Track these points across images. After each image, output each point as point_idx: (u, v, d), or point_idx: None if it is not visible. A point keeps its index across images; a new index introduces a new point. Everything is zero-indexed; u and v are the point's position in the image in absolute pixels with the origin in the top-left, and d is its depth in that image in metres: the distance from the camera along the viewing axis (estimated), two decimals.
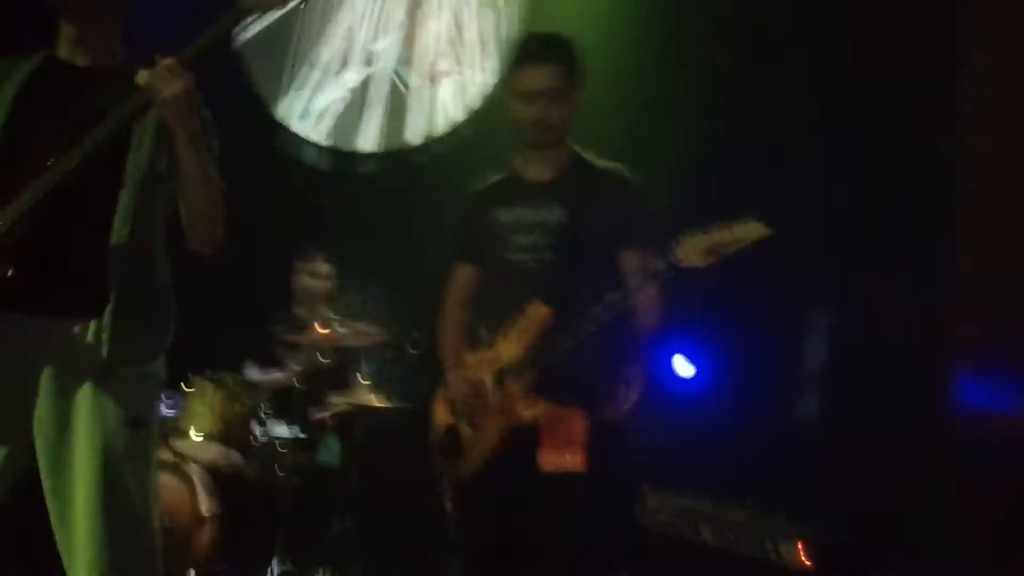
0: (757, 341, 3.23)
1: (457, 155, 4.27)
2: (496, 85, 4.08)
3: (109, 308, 1.71)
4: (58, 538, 1.69)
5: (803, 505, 2.82)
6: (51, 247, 1.70)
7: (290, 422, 3.35)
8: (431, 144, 4.42)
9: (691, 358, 3.32)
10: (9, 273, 1.68)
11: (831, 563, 2.62)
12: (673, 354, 3.30)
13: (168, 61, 1.66)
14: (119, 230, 1.73)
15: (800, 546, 2.62)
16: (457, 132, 4.34)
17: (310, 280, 3.82)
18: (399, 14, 4.54)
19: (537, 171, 2.22)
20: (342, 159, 4.63)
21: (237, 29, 1.76)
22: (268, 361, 3.73)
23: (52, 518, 1.70)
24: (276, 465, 3.33)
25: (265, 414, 3.37)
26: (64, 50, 1.82)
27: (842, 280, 3.14)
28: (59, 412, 1.69)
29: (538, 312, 2.06)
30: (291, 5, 1.91)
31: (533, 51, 2.16)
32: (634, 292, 1.99)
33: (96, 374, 1.69)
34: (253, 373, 3.65)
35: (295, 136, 4.66)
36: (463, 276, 2.34)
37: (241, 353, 3.64)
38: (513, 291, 2.15)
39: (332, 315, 3.62)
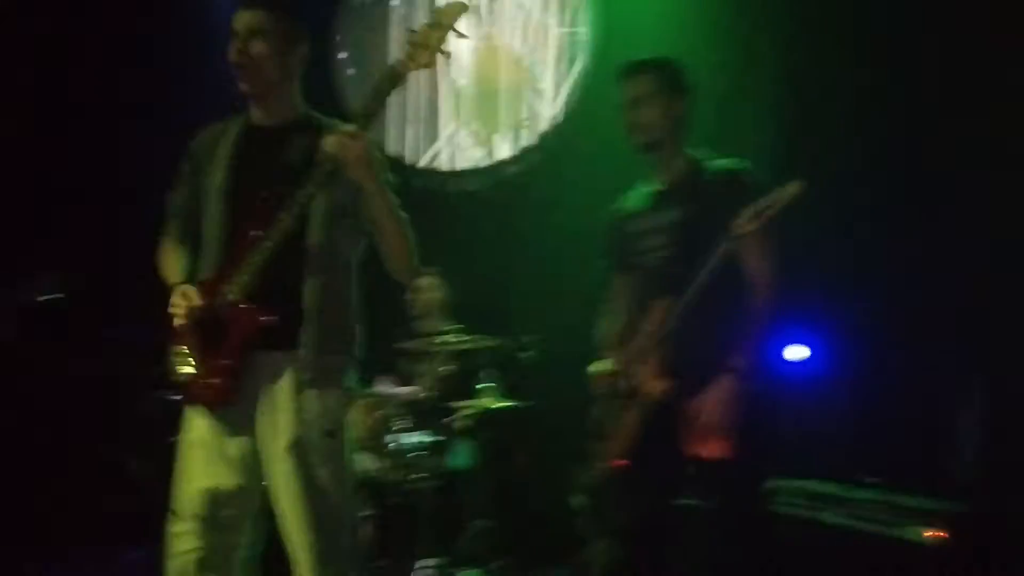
0: (870, 321, 3.29)
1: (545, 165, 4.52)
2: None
3: (311, 337, 2.03)
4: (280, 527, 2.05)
5: (931, 481, 2.87)
6: (279, 292, 2.02)
7: (422, 430, 3.56)
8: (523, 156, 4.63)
9: (805, 342, 3.40)
10: (264, 319, 2.01)
11: (963, 535, 2.63)
12: (791, 336, 3.38)
13: (347, 128, 1.96)
14: (316, 273, 2.05)
15: (931, 522, 2.63)
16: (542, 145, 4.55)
17: (426, 294, 4.06)
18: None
19: (659, 179, 2.47)
20: (441, 177, 4.88)
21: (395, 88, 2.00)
22: (396, 375, 4.00)
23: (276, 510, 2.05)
24: (412, 470, 3.57)
25: (399, 423, 3.59)
26: (256, 118, 2.18)
27: (963, 258, 3.15)
28: (271, 426, 2.02)
29: (660, 305, 2.30)
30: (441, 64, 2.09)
31: (628, 68, 2.49)
32: (711, 266, 2.20)
33: (297, 392, 2.02)
34: (384, 387, 3.90)
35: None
36: (619, 284, 2.59)
37: (371, 369, 3.89)
38: (643, 289, 2.42)
39: (448, 325, 3.83)
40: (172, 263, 2.20)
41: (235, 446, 2.04)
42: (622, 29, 4.24)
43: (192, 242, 2.20)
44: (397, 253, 2.12)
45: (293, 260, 2.03)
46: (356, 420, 3.41)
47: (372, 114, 2.02)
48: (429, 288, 4.02)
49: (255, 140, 2.15)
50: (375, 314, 4.28)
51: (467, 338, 3.63)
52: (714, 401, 2.21)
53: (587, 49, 4.43)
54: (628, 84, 2.44)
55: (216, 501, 2.02)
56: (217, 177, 2.12)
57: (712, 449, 2.21)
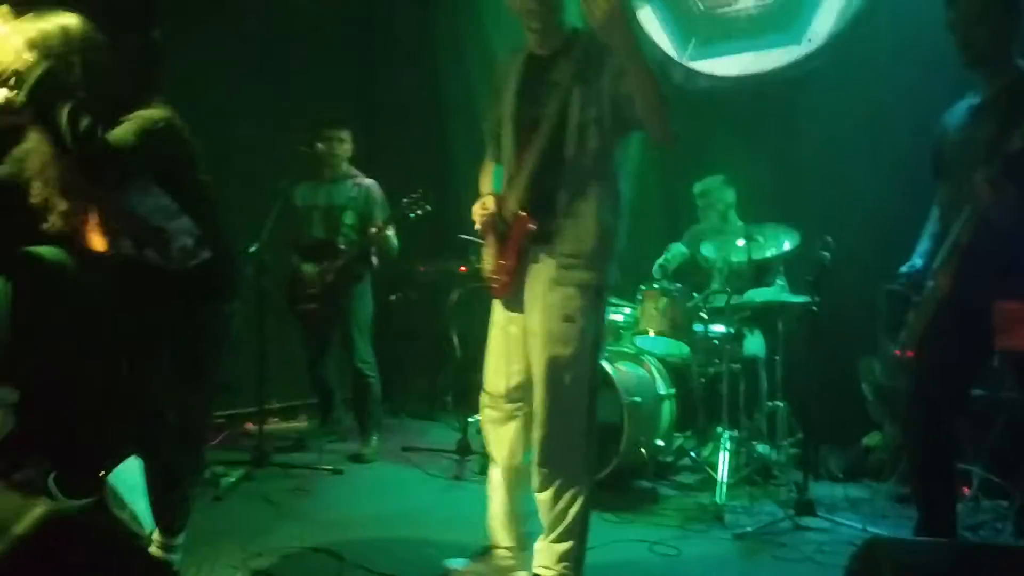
0: None
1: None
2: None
3: (560, 239, 2.37)
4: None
5: None
6: (543, 200, 2.40)
7: (721, 320, 4.00)
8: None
9: None
10: (531, 226, 2.42)
11: None
12: None
13: None
14: (570, 182, 2.36)
15: None
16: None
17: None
18: None
19: (981, 93, 2.56)
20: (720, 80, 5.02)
21: None
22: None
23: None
24: (713, 356, 4.06)
25: (703, 314, 4.06)
26: (533, 47, 2.50)
27: None
28: (530, 312, 2.46)
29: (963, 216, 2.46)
30: None
31: None
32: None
33: (548, 284, 2.41)
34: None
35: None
36: (938, 191, 2.74)
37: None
38: (951, 198, 2.59)
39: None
40: (485, 178, 2.67)
41: (515, 327, 2.54)
42: None
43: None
44: (654, 114, 2.25)
45: (554, 171, 2.37)
46: (662, 311, 3.97)
47: None
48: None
49: (533, 68, 2.49)
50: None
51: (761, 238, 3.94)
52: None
53: None
54: (960, 2, 2.51)
55: (505, 372, 2.56)
56: (508, 104, 2.51)
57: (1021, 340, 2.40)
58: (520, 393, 2.54)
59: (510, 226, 2.47)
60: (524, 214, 2.43)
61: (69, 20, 2.11)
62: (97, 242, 2.18)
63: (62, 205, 2.12)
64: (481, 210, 2.53)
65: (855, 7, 4.52)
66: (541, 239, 2.43)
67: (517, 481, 2.60)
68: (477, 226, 2.56)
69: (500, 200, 2.52)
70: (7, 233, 2.16)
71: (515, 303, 2.53)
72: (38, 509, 1.96)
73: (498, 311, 2.61)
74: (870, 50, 4.45)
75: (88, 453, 2.63)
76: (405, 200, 4.16)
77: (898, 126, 4.13)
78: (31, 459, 2.36)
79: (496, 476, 2.64)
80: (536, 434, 2.45)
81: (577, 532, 2.47)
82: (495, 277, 2.56)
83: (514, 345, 2.54)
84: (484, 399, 2.63)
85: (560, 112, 2.36)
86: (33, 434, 2.26)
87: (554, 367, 2.40)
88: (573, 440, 2.43)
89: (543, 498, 2.48)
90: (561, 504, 2.45)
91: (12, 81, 1.98)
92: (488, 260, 2.61)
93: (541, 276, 2.44)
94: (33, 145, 2.11)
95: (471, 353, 5.26)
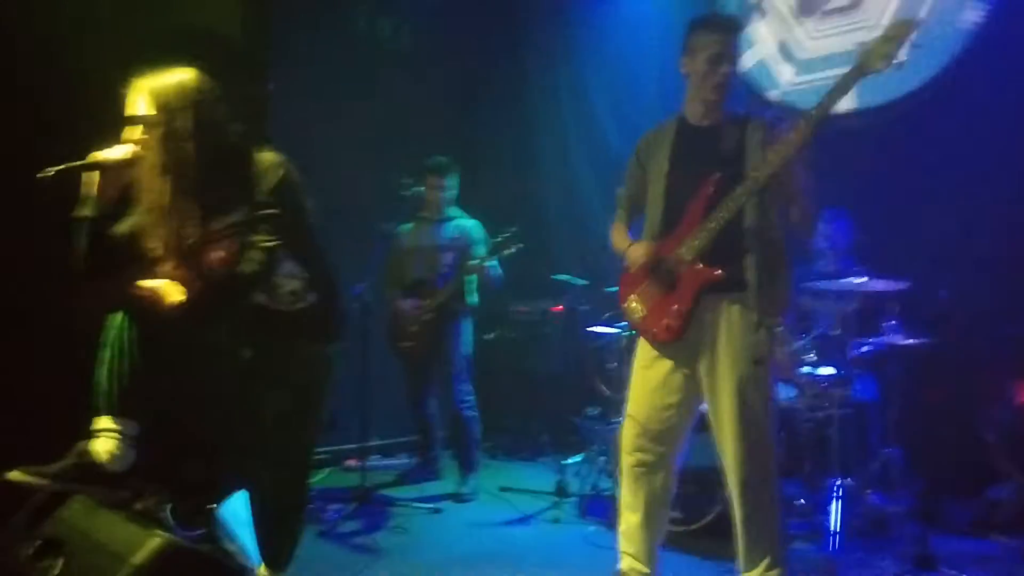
0: None
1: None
2: None
3: (754, 283, 2.54)
4: (716, 439, 2.63)
5: None
6: (724, 256, 2.58)
7: (830, 362, 3.84)
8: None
9: None
10: (717, 274, 2.57)
11: None
12: None
13: (796, 128, 2.39)
14: (753, 224, 2.55)
15: None
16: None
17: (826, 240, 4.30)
18: None
19: None
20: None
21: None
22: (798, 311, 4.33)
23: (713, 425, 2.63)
24: (822, 400, 3.90)
25: (809, 356, 3.91)
26: (693, 118, 2.74)
27: None
28: (714, 356, 2.61)
29: None
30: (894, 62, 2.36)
31: None
32: None
33: (737, 330, 2.56)
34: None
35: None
36: None
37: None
38: None
39: (856, 268, 4.03)
40: (621, 235, 2.87)
41: (677, 373, 2.66)
42: None
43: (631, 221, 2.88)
44: (803, 222, 2.61)
45: (734, 233, 2.56)
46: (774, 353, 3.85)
47: (824, 114, 2.39)
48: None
49: (691, 136, 2.72)
50: None
51: (864, 279, 3.79)
52: None
53: None
54: None
55: (656, 417, 2.67)
56: (663, 165, 2.71)
57: None
58: (671, 436, 2.68)
59: (682, 273, 2.60)
60: (704, 265, 2.57)
61: (185, 76, 2.28)
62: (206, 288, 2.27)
63: (173, 256, 2.24)
64: (642, 254, 2.67)
65: (965, 37, 4.35)
66: (721, 288, 2.57)
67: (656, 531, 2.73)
68: (632, 270, 2.71)
69: (659, 249, 2.66)
70: (129, 276, 2.29)
71: (679, 347, 2.63)
72: (156, 539, 2.05)
73: (645, 353, 2.72)
74: (987, 79, 4.25)
75: (201, 486, 2.74)
76: (499, 238, 4.21)
77: (1021, 158, 3.92)
78: (149, 490, 2.46)
79: (633, 523, 2.71)
80: (736, 476, 2.56)
81: None
82: (660, 321, 2.64)
83: (665, 391, 2.67)
84: (635, 442, 2.71)
85: (743, 190, 2.51)
86: (152, 466, 2.37)
87: (746, 408, 2.54)
88: (768, 474, 2.58)
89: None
90: None
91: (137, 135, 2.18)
92: (639, 306, 2.72)
93: (728, 321, 2.58)
94: (152, 194, 2.24)
95: (569, 394, 5.30)
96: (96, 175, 2.26)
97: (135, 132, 2.26)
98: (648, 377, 2.69)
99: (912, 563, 3.12)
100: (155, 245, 2.24)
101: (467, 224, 4.54)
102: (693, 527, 3.57)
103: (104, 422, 2.21)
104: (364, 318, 4.09)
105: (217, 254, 2.26)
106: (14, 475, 2.08)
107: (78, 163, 2.21)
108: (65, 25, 3.17)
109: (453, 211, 4.61)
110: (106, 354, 2.24)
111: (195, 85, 2.28)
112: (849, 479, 3.70)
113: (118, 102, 2.27)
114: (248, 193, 2.27)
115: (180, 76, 2.28)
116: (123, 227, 2.30)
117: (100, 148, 2.24)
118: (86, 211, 2.26)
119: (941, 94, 4.42)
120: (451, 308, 4.41)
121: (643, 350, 2.73)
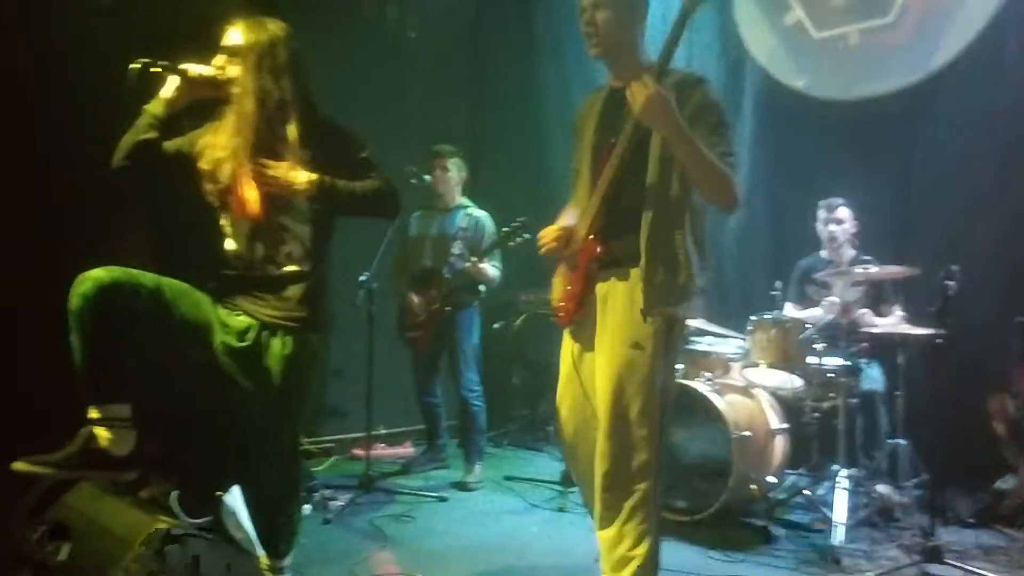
0: None
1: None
2: None
3: (643, 263, 2.27)
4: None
5: None
6: (618, 226, 2.35)
7: (837, 352, 3.81)
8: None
9: None
10: (598, 250, 2.37)
11: None
12: None
13: (644, 78, 2.18)
14: (649, 194, 2.28)
15: None
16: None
17: (834, 226, 4.27)
18: None
19: None
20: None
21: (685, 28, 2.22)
22: (807, 300, 4.32)
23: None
24: (829, 390, 3.88)
25: (817, 345, 3.88)
26: (612, 81, 2.51)
27: None
28: (599, 335, 2.38)
29: None
30: None
31: None
32: None
33: (622, 310, 2.31)
34: (792, 311, 4.23)
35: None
36: None
37: (780, 295, 4.23)
38: None
39: (861, 256, 4.01)
40: (563, 216, 2.60)
41: (586, 356, 2.43)
42: None
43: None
44: (705, 190, 2.26)
45: (634, 197, 2.31)
46: (774, 341, 3.83)
47: (664, 63, 2.24)
48: (834, 220, 4.24)
49: (612, 101, 2.46)
50: (782, 243, 4.69)
51: (874, 268, 3.76)
52: None
53: None
54: None
55: (574, 401, 2.46)
56: (589, 137, 2.50)
57: None
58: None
59: (578, 253, 2.42)
60: (592, 239, 2.38)
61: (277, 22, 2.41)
62: (248, 210, 2.33)
63: (235, 168, 2.32)
64: (545, 238, 2.47)
65: (977, 27, 4.30)
66: (611, 264, 2.36)
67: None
68: (541, 252, 2.49)
69: (571, 230, 2.47)
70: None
71: (583, 330, 2.44)
72: (161, 526, 2.05)
73: (565, 341, 2.54)
74: (996, 68, 4.21)
75: (206, 473, 2.73)
76: (506, 228, 4.20)
77: None
78: (155, 477, 2.46)
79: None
80: (598, 468, 2.32)
81: None
82: (561, 305, 2.50)
83: (578, 376, 2.46)
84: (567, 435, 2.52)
85: (637, 137, 2.29)
86: (157, 453, 2.36)
87: (619, 398, 2.28)
88: (636, 475, 2.28)
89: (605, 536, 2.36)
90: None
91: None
92: (556, 288, 2.56)
93: (615, 301, 2.35)
94: (243, 118, 2.32)
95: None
96: (178, 82, 2.33)
97: (224, 60, 2.35)
98: (565, 363, 2.51)
99: (919, 554, 3.10)
100: (231, 166, 2.31)
101: (477, 215, 4.53)
102: (697, 518, 3.58)
103: (92, 411, 2.14)
104: (370, 306, 4.08)
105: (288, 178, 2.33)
106: (19, 465, 2.08)
107: (167, 64, 2.29)
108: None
109: (463, 201, 4.60)
110: (73, 341, 2.11)
111: (288, 30, 2.40)
112: (856, 469, 3.69)
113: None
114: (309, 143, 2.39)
115: (274, 21, 2.40)
116: (171, 144, 2.37)
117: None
118: (156, 109, 2.33)
119: (952, 82, 4.38)
120: (458, 298, 4.41)
121: (564, 335, 2.55)
